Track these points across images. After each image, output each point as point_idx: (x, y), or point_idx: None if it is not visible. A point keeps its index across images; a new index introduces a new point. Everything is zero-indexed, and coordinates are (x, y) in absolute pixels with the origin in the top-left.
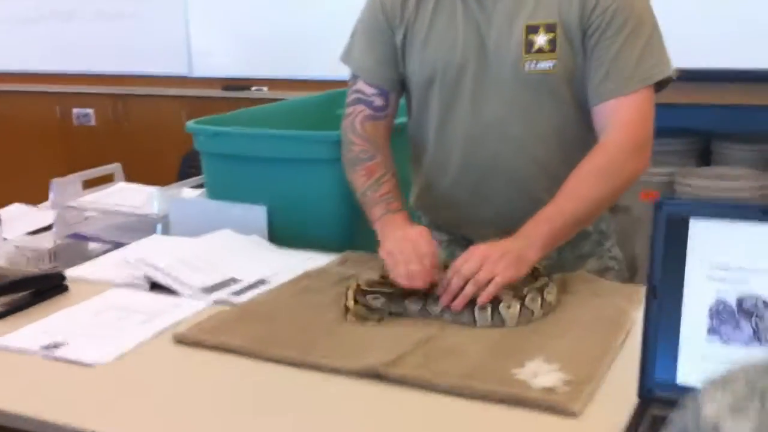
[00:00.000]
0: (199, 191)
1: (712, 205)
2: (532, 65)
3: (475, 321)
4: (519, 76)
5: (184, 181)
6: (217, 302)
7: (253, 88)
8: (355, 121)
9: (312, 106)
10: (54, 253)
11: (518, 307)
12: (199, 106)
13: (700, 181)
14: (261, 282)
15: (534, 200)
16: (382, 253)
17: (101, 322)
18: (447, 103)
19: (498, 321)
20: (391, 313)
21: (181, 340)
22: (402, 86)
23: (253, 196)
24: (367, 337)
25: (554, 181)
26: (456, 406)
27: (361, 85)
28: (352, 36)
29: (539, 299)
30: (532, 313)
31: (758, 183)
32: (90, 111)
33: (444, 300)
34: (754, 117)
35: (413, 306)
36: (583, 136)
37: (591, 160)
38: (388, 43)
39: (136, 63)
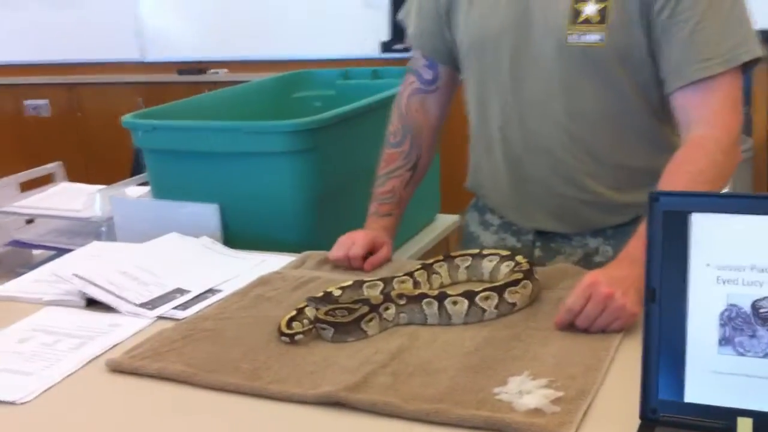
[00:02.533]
0: (145, 189)
1: (717, 198)
2: (576, 37)
3: (426, 318)
4: (561, 49)
5: (130, 179)
6: (160, 318)
7: (211, 71)
8: (404, 94)
9: (267, 90)
10: None
11: (466, 304)
12: (155, 91)
13: None
14: (210, 292)
15: (579, 186)
16: None
17: (27, 350)
18: (485, 77)
19: (445, 318)
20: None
21: (116, 369)
22: (456, 59)
23: (204, 194)
24: (329, 356)
25: (601, 167)
26: None
27: (415, 52)
28: None
29: (496, 298)
30: (483, 311)
31: None
32: (43, 102)
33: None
34: None
35: (371, 324)
36: (642, 122)
37: (692, 163)
38: (435, 9)
39: (88, 50)
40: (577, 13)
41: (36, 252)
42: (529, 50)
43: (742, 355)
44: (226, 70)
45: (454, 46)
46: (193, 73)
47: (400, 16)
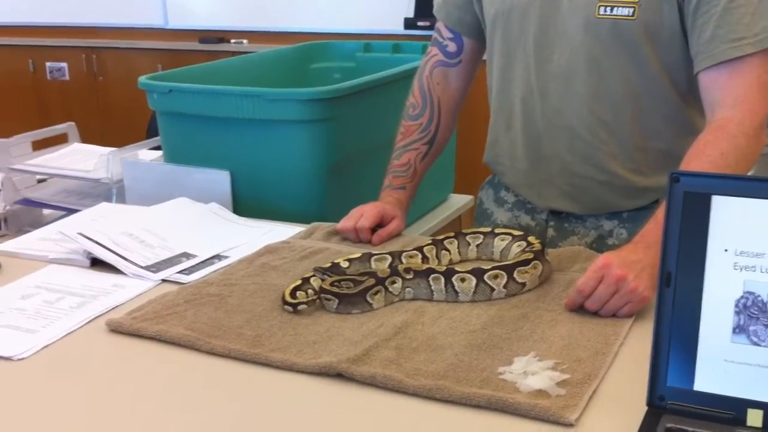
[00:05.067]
0: (158, 153)
1: (740, 180)
2: (606, 10)
3: (432, 293)
4: (590, 21)
5: (142, 142)
6: (164, 281)
7: (233, 41)
8: (427, 65)
9: (285, 60)
10: (4, 220)
11: (474, 281)
12: (176, 59)
13: None
14: (216, 258)
15: (597, 166)
16: None
17: (29, 306)
18: (509, 47)
19: (452, 294)
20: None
21: (116, 329)
22: (481, 32)
23: (215, 160)
24: (332, 327)
25: (622, 148)
26: (431, 411)
27: (439, 24)
28: None
29: (505, 277)
30: (492, 290)
31: None
32: (64, 65)
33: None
34: None
35: (376, 297)
36: (668, 103)
37: (713, 147)
38: None
39: (110, 14)
40: None
41: (46, 212)
42: (557, 21)
43: (756, 344)
44: (246, 40)
45: (481, 18)
46: (213, 42)
47: None
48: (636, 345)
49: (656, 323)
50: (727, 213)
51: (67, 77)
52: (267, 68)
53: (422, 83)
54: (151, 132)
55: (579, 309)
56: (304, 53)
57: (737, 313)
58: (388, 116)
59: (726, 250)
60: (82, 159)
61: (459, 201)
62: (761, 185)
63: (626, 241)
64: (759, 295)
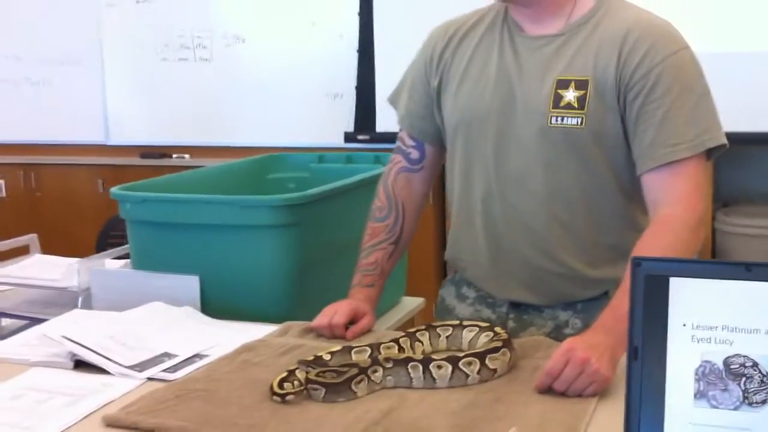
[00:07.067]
0: (121, 263)
1: (693, 264)
2: (558, 120)
3: (411, 381)
4: (543, 130)
5: (106, 252)
6: (150, 380)
7: (175, 156)
8: (391, 172)
9: (242, 171)
10: None
11: (450, 368)
12: (117, 173)
13: None
14: (197, 356)
15: (557, 262)
16: None
17: (20, 407)
18: (470, 153)
19: (429, 381)
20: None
21: (113, 423)
22: (442, 140)
23: (185, 265)
24: (321, 415)
25: (579, 244)
26: None
27: (402, 133)
28: (404, 76)
29: (478, 364)
30: (467, 376)
31: None
32: (0, 182)
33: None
34: None
35: (360, 385)
36: (615, 201)
37: (659, 240)
38: (426, 93)
39: (49, 131)
40: (559, 97)
41: (5, 323)
42: (513, 130)
43: (715, 407)
44: (188, 155)
45: (442, 128)
46: (155, 157)
47: (389, 99)
48: (602, 422)
49: (627, 393)
50: (683, 292)
51: (4, 194)
52: (226, 179)
53: (387, 188)
54: (101, 245)
55: (547, 390)
56: (261, 165)
57: (697, 380)
58: (350, 219)
59: (684, 325)
60: (45, 269)
61: (411, 303)
62: (712, 267)
63: (581, 330)
64: (715, 363)
